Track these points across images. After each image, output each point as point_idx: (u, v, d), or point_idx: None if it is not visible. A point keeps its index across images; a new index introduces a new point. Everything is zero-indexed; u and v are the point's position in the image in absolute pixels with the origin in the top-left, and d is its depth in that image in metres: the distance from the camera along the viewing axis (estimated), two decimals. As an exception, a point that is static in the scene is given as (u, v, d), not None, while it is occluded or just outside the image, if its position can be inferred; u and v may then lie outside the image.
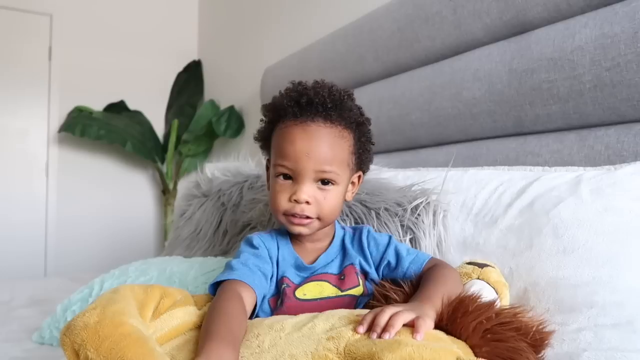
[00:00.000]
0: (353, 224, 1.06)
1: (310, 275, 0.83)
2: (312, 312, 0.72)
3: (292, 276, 0.82)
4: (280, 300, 0.80)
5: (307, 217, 0.79)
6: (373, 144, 0.89)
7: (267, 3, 2.68)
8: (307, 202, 0.78)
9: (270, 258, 0.83)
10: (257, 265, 0.79)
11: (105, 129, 2.89)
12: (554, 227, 0.89)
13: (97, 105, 3.10)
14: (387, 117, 1.57)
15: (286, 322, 0.67)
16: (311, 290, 0.81)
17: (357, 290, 0.81)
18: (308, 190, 0.78)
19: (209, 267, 1.11)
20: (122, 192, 3.26)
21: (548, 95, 1.13)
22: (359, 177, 0.89)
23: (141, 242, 3.27)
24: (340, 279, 0.83)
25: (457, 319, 0.65)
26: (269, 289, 0.81)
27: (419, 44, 1.48)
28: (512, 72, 1.20)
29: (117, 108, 3.15)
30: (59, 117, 3.04)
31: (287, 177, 0.80)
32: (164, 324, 0.68)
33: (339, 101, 0.80)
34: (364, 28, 1.69)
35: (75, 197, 3.12)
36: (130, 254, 2.97)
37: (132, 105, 3.20)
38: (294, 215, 0.79)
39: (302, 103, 0.79)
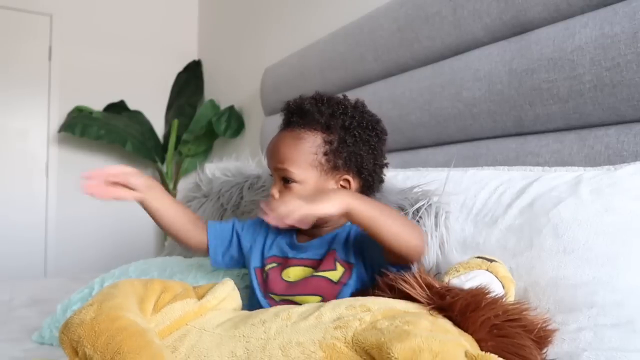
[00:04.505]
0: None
1: (296, 255, 0.91)
2: (294, 291, 0.86)
3: (285, 249, 0.93)
4: (265, 275, 0.92)
5: None
6: (371, 145, 0.91)
7: (267, 3, 2.68)
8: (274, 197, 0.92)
9: (241, 244, 0.99)
10: (227, 230, 1.00)
11: (105, 129, 2.88)
12: (554, 227, 0.89)
13: (97, 105, 3.10)
14: (387, 117, 1.55)
15: (292, 310, 0.68)
16: (295, 274, 0.90)
17: (332, 275, 0.85)
18: (275, 187, 0.92)
19: (210, 267, 1.11)
20: (122, 192, 3.25)
21: (548, 95, 1.13)
22: (348, 180, 0.92)
23: (141, 242, 3.27)
24: (318, 262, 0.88)
25: (467, 312, 0.66)
26: (248, 258, 0.97)
27: (419, 44, 1.48)
28: (512, 72, 1.20)
29: (117, 108, 3.15)
30: (59, 117, 3.04)
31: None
32: (165, 317, 0.69)
33: (310, 107, 0.90)
34: (364, 28, 1.69)
35: (75, 197, 3.10)
36: (130, 254, 2.97)
37: (132, 105, 3.19)
38: None
39: (286, 115, 0.95)
